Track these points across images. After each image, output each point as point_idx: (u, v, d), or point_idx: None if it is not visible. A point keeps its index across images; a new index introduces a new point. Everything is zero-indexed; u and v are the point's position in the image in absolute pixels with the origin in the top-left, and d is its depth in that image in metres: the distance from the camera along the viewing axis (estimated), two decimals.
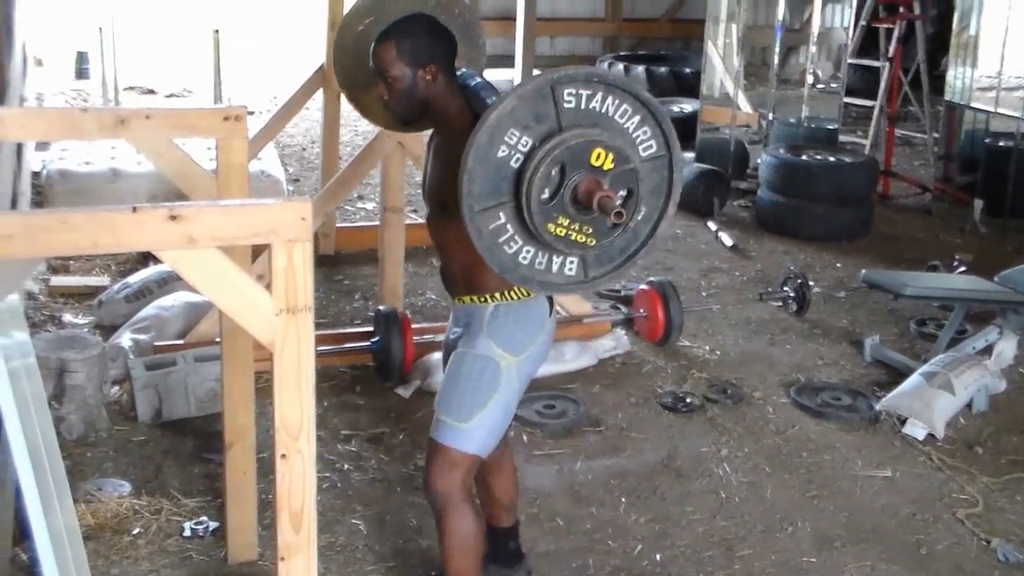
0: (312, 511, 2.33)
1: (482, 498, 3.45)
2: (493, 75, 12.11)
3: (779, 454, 4.53)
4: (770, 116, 9.40)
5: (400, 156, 5.14)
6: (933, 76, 9.76)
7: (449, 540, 3.08)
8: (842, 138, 9.34)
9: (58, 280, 5.95)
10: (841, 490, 4.27)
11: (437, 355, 4.97)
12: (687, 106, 10.56)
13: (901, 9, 9.21)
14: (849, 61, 9.83)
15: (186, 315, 5.19)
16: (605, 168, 2.46)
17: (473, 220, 2.47)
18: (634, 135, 2.55)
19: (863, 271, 5.89)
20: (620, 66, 11.70)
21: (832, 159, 7.80)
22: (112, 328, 5.26)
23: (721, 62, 10.34)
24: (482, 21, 12.25)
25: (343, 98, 6.46)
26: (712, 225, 7.62)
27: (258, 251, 4.04)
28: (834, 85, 10.84)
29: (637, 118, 2.54)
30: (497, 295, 3.00)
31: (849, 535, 3.96)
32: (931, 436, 4.64)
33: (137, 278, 5.61)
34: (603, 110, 2.50)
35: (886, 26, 9.56)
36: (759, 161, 8.23)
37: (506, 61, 13.20)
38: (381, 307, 5.10)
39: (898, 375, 5.15)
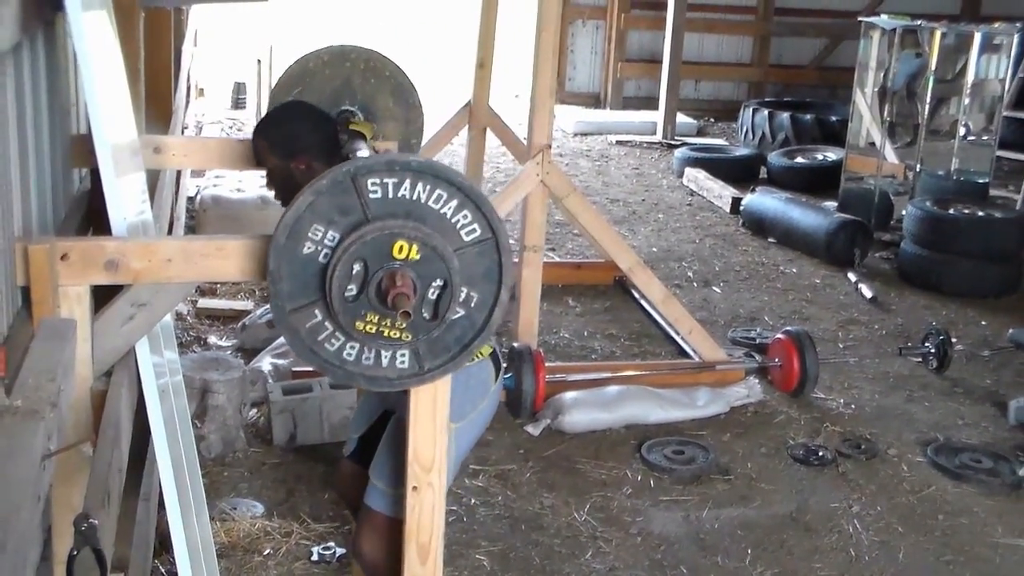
0: (439, 544, 2.38)
1: None
2: (638, 116, 12.17)
3: (913, 514, 4.41)
4: (917, 167, 9.20)
5: (542, 194, 5.19)
6: None
7: None
8: (993, 192, 9.08)
9: (205, 302, 6.17)
10: (979, 556, 4.12)
11: (570, 394, 5.02)
12: (831, 154, 10.43)
13: None
14: (1004, 114, 9.56)
15: None
16: (411, 259, 2.26)
17: (286, 321, 2.29)
18: (453, 220, 2.32)
19: (1010, 330, 5.72)
20: (765, 112, 11.60)
21: (981, 213, 7.59)
22: (253, 351, 5.42)
23: (868, 111, 10.16)
24: (628, 63, 12.24)
25: (488, 134, 6.60)
26: (852, 276, 7.48)
27: None
28: (985, 137, 10.56)
29: (454, 202, 2.31)
30: None
31: None
32: None
33: None
34: (414, 197, 2.29)
35: None
36: (904, 213, 8.06)
37: (650, 103, 13.31)
38: (515, 344, 5.15)
39: None
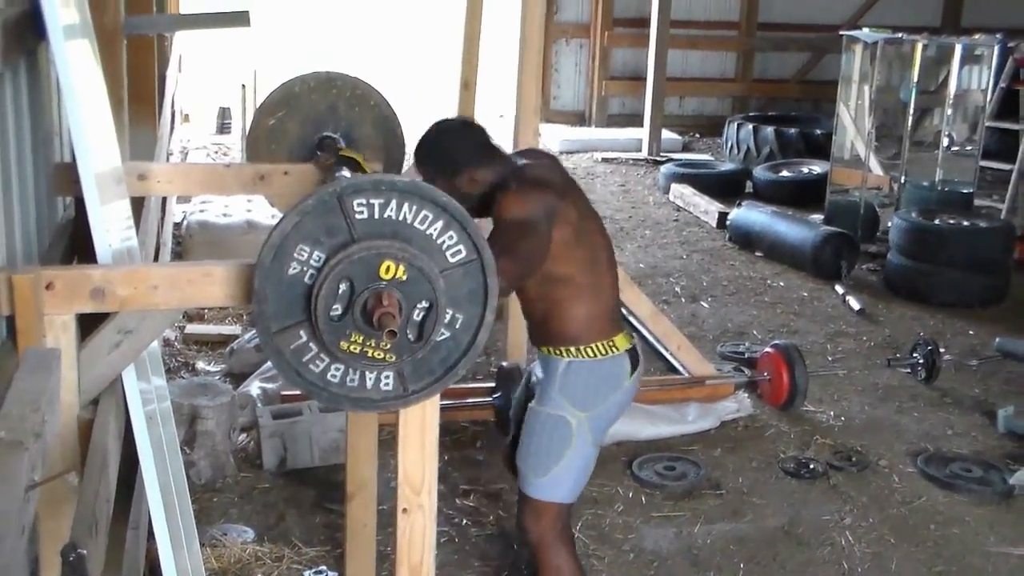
0: (431, 565, 2.37)
1: None
2: (623, 133, 12.21)
3: (905, 525, 4.41)
4: (902, 179, 9.24)
5: None
6: None
7: (548, 573, 3.27)
8: (977, 202, 9.11)
9: (193, 328, 6.16)
10: (972, 566, 4.13)
11: None
12: (816, 167, 10.47)
13: None
14: (987, 124, 9.61)
15: None
16: (397, 279, 2.24)
17: (270, 342, 2.27)
18: (439, 241, 2.29)
19: (997, 339, 5.73)
20: (749, 126, 11.64)
21: (966, 223, 7.62)
22: (242, 376, 5.41)
23: (853, 123, 10.22)
24: (612, 80, 12.29)
25: None
26: (839, 288, 7.49)
27: None
28: (969, 148, 10.61)
29: (440, 223, 2.29)
30: (573, 349, 3.13)
31: None
32: None
33: None
34: (400, 218, 2.27)
35: None
36: (890, 224, 8.08)
37: (635, 120, 13.33)
38: (504, 363, 5.14)
39: None
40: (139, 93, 4.42)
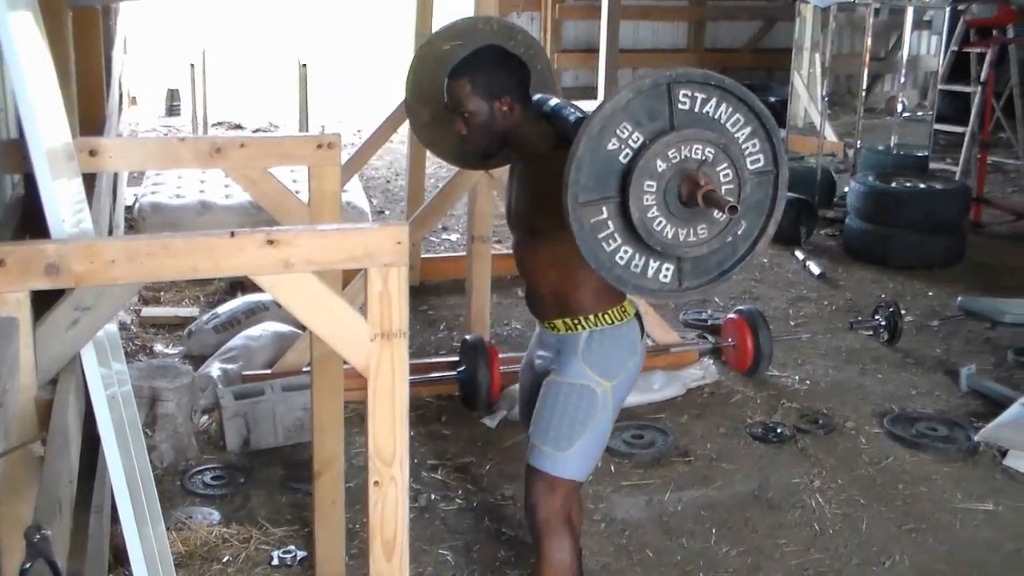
0: (404, 539, 2.32)
1: None
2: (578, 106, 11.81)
3: (874, 485, 4.42)
4: (857, 144, 9.26)
5: (488, 185, 5.15)
6: None
7: (546, 565, 3.05)
8: (932, 165, 9.16)
9: (149, 311, 6.05)
10: (940, 523, 4.14)
11: None
12: None
13: (994, 33, 9.04)
14: (940, 87, 9.66)
15: (274, 345, 5.23)
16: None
17: (575, 211, 2.40)
18: (743, 146, 2.47)
19: (959, 298, 5.77)
20: None
21: (923, 186, 7.66)
22: (202, 358, 5.33)
23: (806, 91, 10.24)
24: (564, 53, 12.32)
25: None
26: (799, 254, 7.51)
27: (347, 279, 4.06)
28: (920, 113, 10.69)
29: (748, 129, 2.47)
30: (592, 318, 2.97)
31: (951, 570, 3.84)
32: None
33: (225, 308, 5.68)
34: (716, 116, 2.43)
35: (978, 50, 9.39)
36: (847, 189, 8.11)
37: (588, 93, 13.25)
38: (468, 336, 5.10)
39: (996, 405, 5.00)
40: (86, 69, 4.31)
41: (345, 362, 2.59)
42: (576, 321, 2.99)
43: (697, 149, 2.41)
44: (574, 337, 3.00)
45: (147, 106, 12.59)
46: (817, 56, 10.18)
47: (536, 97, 3.09)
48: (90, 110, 4.44)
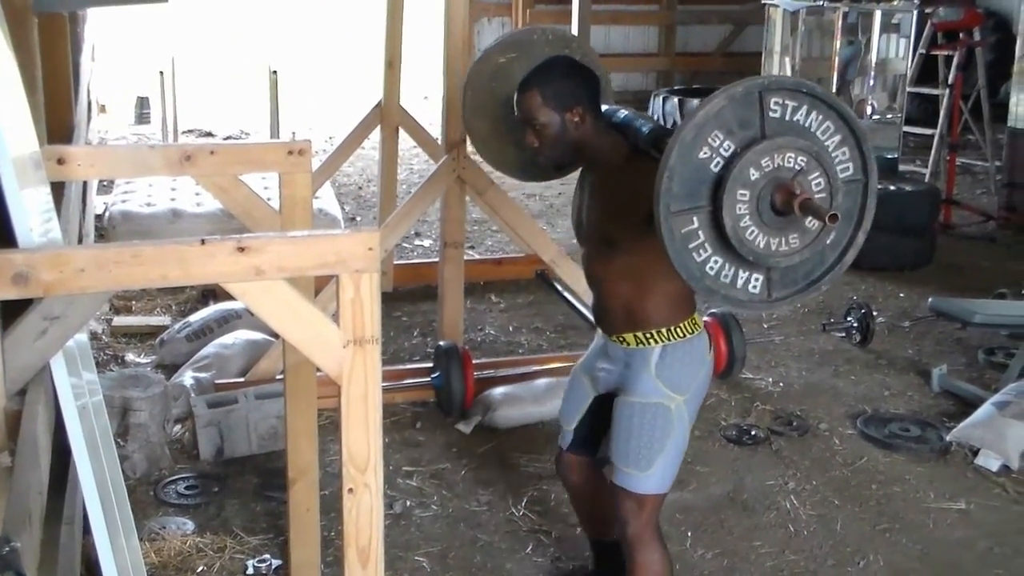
0: (380, 546, 2.30)
1: (596, 515, 3.49)
2: None
3: (848, 486, 4.44)
4: None
5: (460, 191, 5.14)
6: (993, 104, 9.63)
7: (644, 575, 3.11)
8: (902, 167, 9.22)
9: (121, 320, 6.01)
10: (914, 523, 4.17)
11: (499, 390, 4.96)
12: None
13: (961, 36, 9.11)
14: (908, 90, 9.73)
15: (246, 353, 5.20)
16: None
17: (667, 220, 2.40)
18: (833, 155, 2.46)
19: (930, 299, 5.80)
20: (675, 99, 11.65)
21: (892, 188, 7.69)
22: (174, 367, 5.29)
23: None
24: None
25: (401, 134, 6.52)
26: None
27: (319, 286, 4.04)
28: (889, 116, 10.74)
29: (838, 137, 2.46)
30: (665, 332, 2.96)
31: (924, 569, 3.87)
32: (1006, 467, 4.53)
33: (197, 317, 5.65)
34: (806, 124, 2.43)
35: (945, 53, 9.46)
36: None
37: None
38: (441, 342, 5.09)
39: (967, 405, 5.04)
40: (53, 76, 4.27)
41: (318, 369, 2.57)
42: (648, 335, 2.97)
43: (790, 158, 2.40)
44: (646, 352, 2.99)
45: (116, 114, 12.49)
46: (787, 60, 10.22)
47: (604, 108, 3.09)
48: (58, 118, 4.40)
